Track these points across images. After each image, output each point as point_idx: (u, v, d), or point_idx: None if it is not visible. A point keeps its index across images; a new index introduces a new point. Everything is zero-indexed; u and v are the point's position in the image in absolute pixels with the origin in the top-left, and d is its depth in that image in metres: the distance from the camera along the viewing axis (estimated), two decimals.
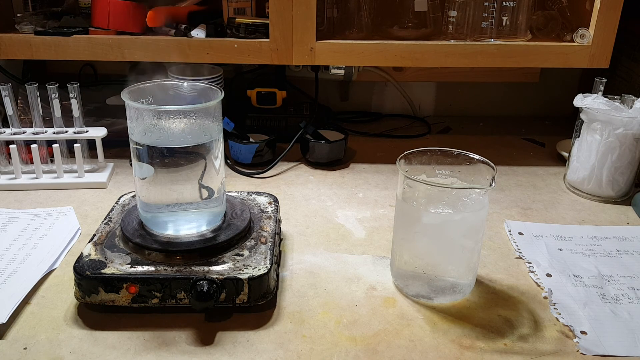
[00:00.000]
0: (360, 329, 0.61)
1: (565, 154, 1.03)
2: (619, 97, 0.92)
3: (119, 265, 0.62)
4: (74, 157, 0.92)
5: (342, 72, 1.18)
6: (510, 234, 0.81)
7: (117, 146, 1.02)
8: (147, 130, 0.62)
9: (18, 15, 1.01)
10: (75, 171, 0.94)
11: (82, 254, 0.64)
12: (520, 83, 1.29)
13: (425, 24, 1.02)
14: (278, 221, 0.74)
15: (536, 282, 0.70)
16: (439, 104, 1.32)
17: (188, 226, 0.66)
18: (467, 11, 0.98)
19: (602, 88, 0.93)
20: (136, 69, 1.04)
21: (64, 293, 0.66)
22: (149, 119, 0.62)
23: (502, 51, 0.96)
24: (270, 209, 0.75)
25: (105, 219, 0.71)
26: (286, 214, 0.85)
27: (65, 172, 0.94)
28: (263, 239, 0.68)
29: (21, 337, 0.59)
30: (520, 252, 0.77)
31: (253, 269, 0.62)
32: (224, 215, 0.69)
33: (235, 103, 1.17)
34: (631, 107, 0.89)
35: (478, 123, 1.28)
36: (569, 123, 1.01)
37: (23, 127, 0.92)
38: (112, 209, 0.74)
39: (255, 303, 0.62)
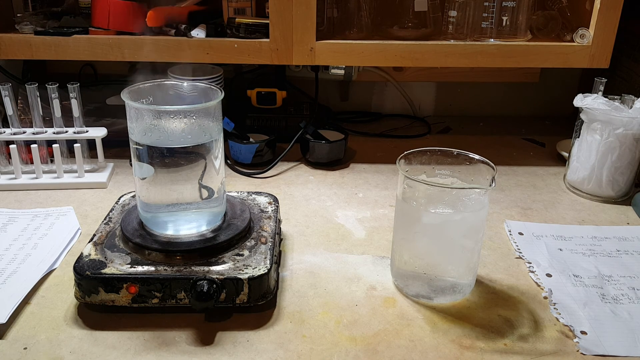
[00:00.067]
0: (360, 329, 0.61)
1: (565, 154, 1.03)
2: (619, 97, 0.92)
3: (119, 265, 0.62)
4: (74, 157, 0.92)
5: (342, 72, 1.18)
6: (510, 234, 0.81)
7: (117, 146, 1.02)
8: (147, 130, 0.62)
9: (18, 15, 1.01)
10: (75, 171, 0.94)
11: (82, 254, 0.64)
12: (520, 83, 1.29)
13: (425, 24, 1.02)
14: (278, 221, 0.74)
15: (536, 282, 0.70)
16: (439, 104, 1.32)
17: (188, 226, 0.66)
18: (467, 11, 0.98)
19: (602, 88, 0.93)
20: (136, 69, 1.04)
21: (64, 293, 0.66)
22: (149, 119, 0.62)
23: (502, 51, 0.96)
24: (270, 209, 0.75)
25: (105, 219, 0.71)
26: (286, 214, 0.85)
27: (65, 172, 0.94)
28: (263, 239, 0.67)
29: (21, 337, 0.59)
30: (520, 252, 0.77)
31: (253, 269, 0.62)
32: (224, 215, 0.69)
33: (235, 103, 1.17)
34: (631, 107, 0.89)
35: (478, 123, 1.28)
36: (569, 123, 1.01)
37: (23, 127, 0.92)
38: (112, 209, 0.74)
39: (255, 303, 0.62)
